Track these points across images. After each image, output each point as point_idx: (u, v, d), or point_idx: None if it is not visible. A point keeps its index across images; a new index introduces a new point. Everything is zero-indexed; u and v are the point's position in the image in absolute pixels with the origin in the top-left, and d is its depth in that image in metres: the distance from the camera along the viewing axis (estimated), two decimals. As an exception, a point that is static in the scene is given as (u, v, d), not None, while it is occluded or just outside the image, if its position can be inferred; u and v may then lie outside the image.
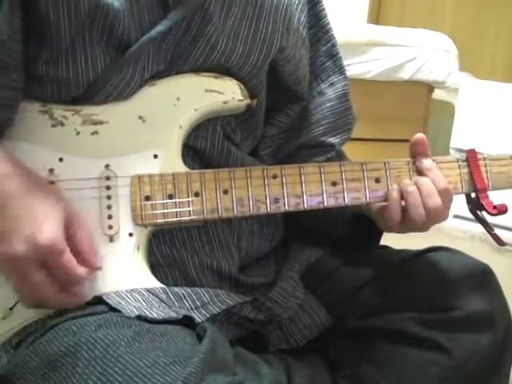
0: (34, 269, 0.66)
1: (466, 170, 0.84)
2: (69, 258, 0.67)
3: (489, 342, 0.78)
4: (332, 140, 0.94)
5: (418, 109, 2.98)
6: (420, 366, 0.77)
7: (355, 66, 2.73)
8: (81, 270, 0.68)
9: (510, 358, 0.81)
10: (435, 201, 0.79)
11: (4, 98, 0.71)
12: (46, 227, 0.66)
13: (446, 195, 0.80)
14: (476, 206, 0.84)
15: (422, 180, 0.80)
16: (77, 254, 0.68)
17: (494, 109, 2.58)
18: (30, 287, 0.67)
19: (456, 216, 2.24)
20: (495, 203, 0.83)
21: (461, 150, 2.60)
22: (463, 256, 0.88)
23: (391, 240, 0.94)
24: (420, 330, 0.78)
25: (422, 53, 2.85)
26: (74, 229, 0.69)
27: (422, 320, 0.79)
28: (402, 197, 0.80)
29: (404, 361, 0.78)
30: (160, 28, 0.75)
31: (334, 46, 0.95)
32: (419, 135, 0.83)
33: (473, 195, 0.85)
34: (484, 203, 0.83)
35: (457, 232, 2.35)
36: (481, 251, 1.08)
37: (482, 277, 0.83)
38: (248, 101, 0.81)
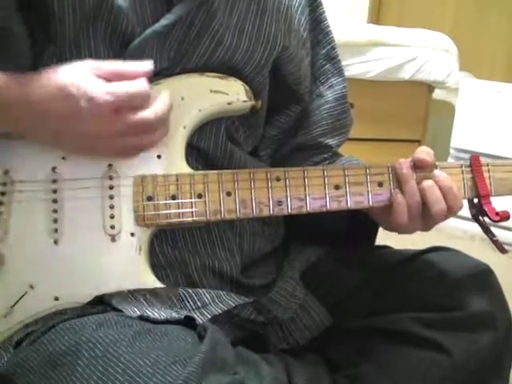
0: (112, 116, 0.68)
1: (469, 176, 0.83)
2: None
3: (489, 342, 0.78)
4: (330, 141, 0.95)
5: (418, 109, 2.98)
6: (420, 365, 0.77)
7: (355, 66, 2.73)
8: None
9: (510, 358, 0.82)
10: (442, 206, 0.79)
11: None
12: (92, 90, 0.67)
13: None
14: (478, 211, 0.84)
15: (427, 184, 0.79)
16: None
17: (493, 109, 2.58)
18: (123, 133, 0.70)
19: (457, 216, 2.23)
20: (498, 209, 0.83)
21: (461, 150, 2.60)
22: (463, 256, 0.88)
23: (391, 240, 0.94)
24: (420, 329, 0.78)
25: (422, 53, 2.85)
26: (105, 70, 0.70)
27: (422, 320, 0.79)
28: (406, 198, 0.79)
29: (404, 361, 0.78)
30: (164, 22, 0.75)
31: (333, 48, 0.96)
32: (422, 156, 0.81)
33: (475, 201, 0.84)
34: (486, 209, 0.82)
35: (457, 232, 2.35)
36: (481, 251, 1.07)
37: (483, 277, 0.84)
38: (252, 102, 0.81)
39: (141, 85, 0.69)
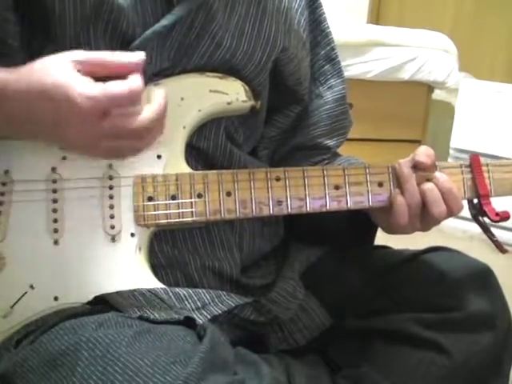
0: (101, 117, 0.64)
1: (468, 176, 0.83)
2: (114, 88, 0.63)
3: (488, 343, 0.78)
4: (328, 142, 0.95)
5: (418, 109, 2.98)
6: (420, 366, 0.77)
7: (355, 66, 2.73)
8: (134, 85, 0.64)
9: (509, 358, 0.82)
10: (441, 207, 0.79)
11: None
12: (73, 94, 0.62)
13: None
14: (478, 212, 0.84)
15: (427, 186, 0.79)
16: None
17: (493, 109, 2.58)
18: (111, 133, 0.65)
19: (456, 216, 2.23)
20: (497, 209, 0.83)
21: (461, 151, 2.60)
22: (463, 256, 0.89)
23: (391, 240, 0.94)
24: (420, 330, 0.79)
25: (422, 53, 2.85)
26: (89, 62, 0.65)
27: (421, 320, 0.79)
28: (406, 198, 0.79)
29: (404, 361, 0.78)
30: (164, 22, 0.75)
31: (333, 49, 0.96)
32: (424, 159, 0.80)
33: (475, 201, 0.84)
34: (486, 209, 0.82)
35: (456, 232, 2.35)
36: (480, 251, 1.08)
37: (482, 277, 0.84)
38: (252, 102, 0.81)
39: (128, 85, 0.64)
